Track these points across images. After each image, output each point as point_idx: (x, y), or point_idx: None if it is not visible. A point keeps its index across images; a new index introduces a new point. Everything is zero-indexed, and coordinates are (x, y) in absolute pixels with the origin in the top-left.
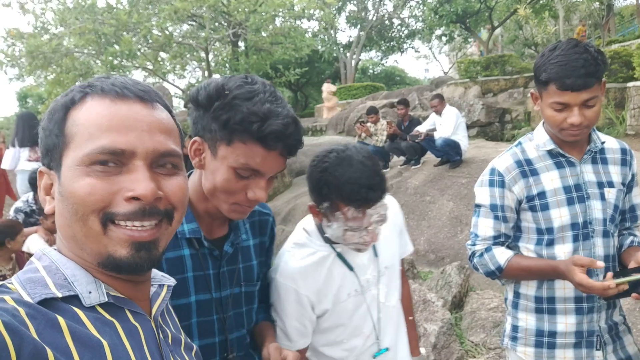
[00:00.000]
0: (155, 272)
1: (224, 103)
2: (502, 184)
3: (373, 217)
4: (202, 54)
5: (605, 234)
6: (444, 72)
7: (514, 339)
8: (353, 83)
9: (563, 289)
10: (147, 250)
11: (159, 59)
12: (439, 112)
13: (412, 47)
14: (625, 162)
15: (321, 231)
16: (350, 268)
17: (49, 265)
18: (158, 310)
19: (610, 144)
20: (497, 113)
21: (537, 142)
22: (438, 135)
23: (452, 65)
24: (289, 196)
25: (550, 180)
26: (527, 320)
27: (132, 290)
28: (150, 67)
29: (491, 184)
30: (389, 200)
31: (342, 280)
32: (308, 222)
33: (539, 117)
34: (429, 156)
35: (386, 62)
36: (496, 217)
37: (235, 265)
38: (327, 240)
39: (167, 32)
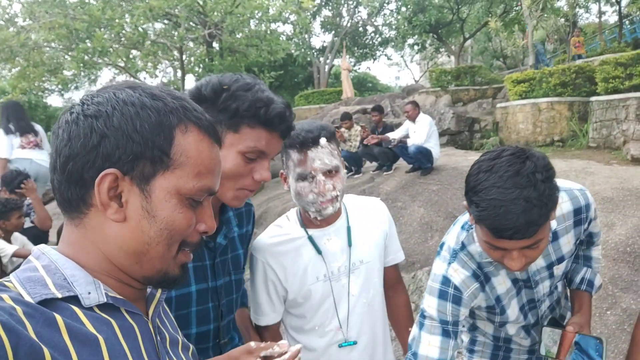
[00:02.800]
0: None
1: (229, 95)
2: (457, 301)
3: (316, 162)
4: (176, 53)
5: (550, 293)
6: (415, 81)
7: None
8: (326, 88)
9: (518, 348)
10: (187, 269)
11: (131, 56)
12: (412, 119)
13: (385, 55)
14: (580, 221)
15: (299, 217)
16: (319, 252)
17: (48, 264)
18: (155, 311)
19: (563, 210)
20: (467, 122)
21: (480, 249)
22: (411, 142)
23: (423, 74)
24: (261, 199)
25: (502, 282)
26: None
27: (130, 291)
28: (122, 64)
29: (442, 296)
30: (375, 202)
31: (309, 262)
32: (292, 211)
33: (507, 128)
34: (401, 163)
35: (359, 68)
36: (445, 333)
37: (226, 256)
38: (302, 225)
39: (140, 30)
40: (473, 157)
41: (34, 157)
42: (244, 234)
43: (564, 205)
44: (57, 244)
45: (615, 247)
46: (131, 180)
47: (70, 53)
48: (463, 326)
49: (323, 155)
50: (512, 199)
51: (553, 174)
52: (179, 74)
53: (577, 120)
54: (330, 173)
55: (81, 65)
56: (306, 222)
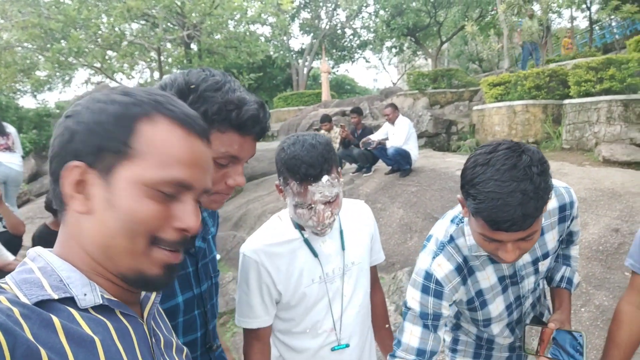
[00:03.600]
0: None
1: (197, 97)
2: (439, 295)
3: (315, 195)
4: (153, 54)
5: (534, 290)
6: (393, 83)
7: None
8: (305, 90)
9: (500, 346)
10: (173, 271)
11: (107, 57)
12: (392, 121)
13: (363, 57)
14: (564, 218)
15: (293, 219)
16: (315, 254)
17: (44, 266)
18: (150, 313)
19: (549, 206)
20: (444, 124)
21: (469, 243)
22: (390, 145)
23: (401, 77)
24: (240, 201)
25: (487, 277)
26: None
27: (125, 294)
28: (98, 65)
29: (425, 290)
30: (361, 205)
31: (305, 264)
32: (283, 212)
33: (483, 130)
34: (380, 164)
35: (337, 70)
36: (425, 326)
37: (206, 259)
38: (297, 227)
39: (117, 31)
40: (451, 158)
41: (3, 160)
42: (215, 234)
43: (550, 202)
44: (32, 247)
45: (589, 245)
46: (97, 172)
47: (44, 53)
48: (445, 325)
49: (324, 189)
50: (509, 191)
51: (547, 167)
52: (156, 75)
53: (551, 123)
54: (329, 202)
55: (56, 65)
56: (300, 225)
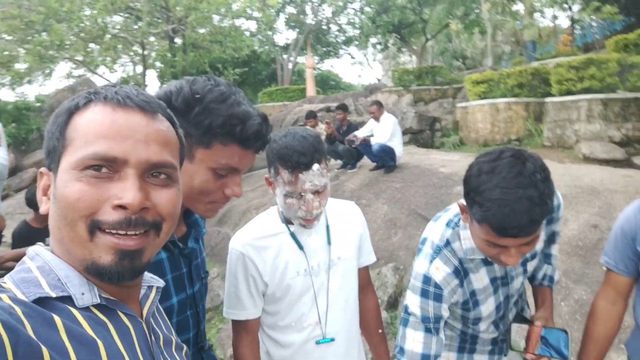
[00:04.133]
0: (144, 274)
1: (202, 108)
2: (438, 298)
3: (306, 184)
4: (136, 48)
5: (519, 289)
6: (378, 79)
7: None
8: (290, 85)
9: (484, 339)
10: (131, 259)
11: (89, 50)
12: (377, 118)
13: (348, 54)
14: (551, 220)
15: (281, 214)
16: (300, 247)
17: (42, 265)
18: (149, 312)
19: None
20: (428, 121)
21: (465, 247)
22: (375, 141)
23: (386, 73)
24: None
25: (480, 279)
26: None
27: (123, 292)
28: (80, 58)
29: (424, 294)
30: (351, 205)
31: (291, 257)
32: (272, 208)
33: (467, 127)
34: (365, 161)
35: (322, 66)
36: (427, 330)
37: (197, 260)
38: (284, 221)
39: (101, 24)
40: (435, 155)
41: None
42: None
43: None
44: (12, 244)
45: (569, 241)
46: (52, 173)
47: (24, 46)
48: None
49: (314, 178)
50: (516, 198)
51: (549, 173)
52: (139, 69)
53: (533, 120)
54: (318, 192)
55: (37, 58)
56: (287, 218)
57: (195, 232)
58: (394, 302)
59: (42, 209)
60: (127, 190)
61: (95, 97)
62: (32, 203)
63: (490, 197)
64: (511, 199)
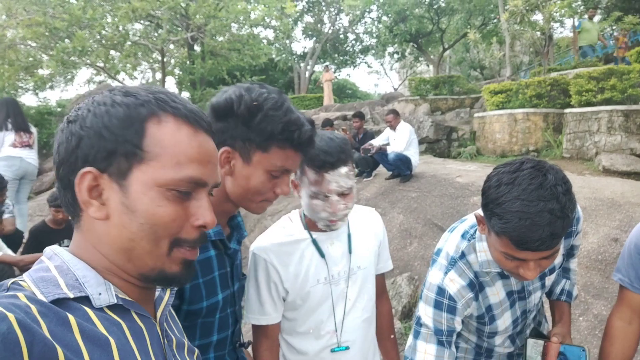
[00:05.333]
0: None
1: (264, 115)
2: (452, 310)
3: (332, 185)
4: (155, 55)
5: (538, 303)
6: (394, 88)
7: None
8: (306, 94)
9: (499, 354)
10: (190, 267)
11: (110, 57)
12: (393, 127)
13: (365, 62)
14: (570, 233)
15: (303, 220)
16: (322, 255)
17: (60, 265)
18: (163, 314)
19: None
20: (445, 131)
21: (480, 260)
22: (391, 150)
23: (402, 82)
24: None
25: (496, 293)
26: None
27: (139, 293)
28: (101, 65)
29: (438, 306)
30: (371, 212)
31: (312, 264)
32: (294, 213)
33: (484, 137)
34: (381, 169)
35: (339, 75)
36: (440, 343)
37: (238, 260)
38: (306, 228)
39: (122, 31)
40: (451, 165)
41: (24, 155)
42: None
43: None
44: (27, 240)
45: (588, 255)
46: (109, 177)
47: (48, 52)
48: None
49: (339, 179)
50: (537, 211)
51: (570, 186)
52: (158, 75)
53: (552, 131)
54: (344, 194)
55: (60, 64)
56: (310, 225)
57: (238, 234)
58: (408, 312)
59: (99, 215)
60: (206, 211)
61: (164, 107)
62: (52, 202)
63: (511, 209)
64: (532, 211)
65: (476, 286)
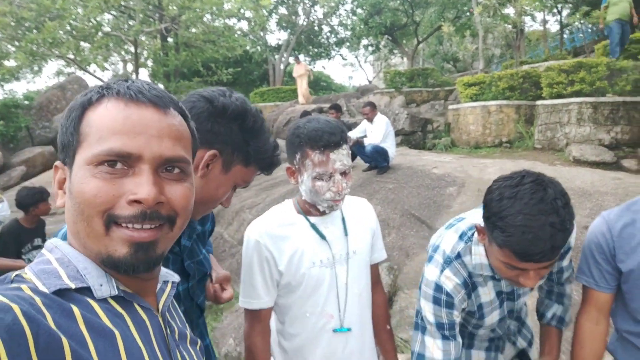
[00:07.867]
0: (160, 269)
1: (265, 136)
2: (450, 305)
3: (337, 164)
4: (127, 46)
5: (522, 304)
6: (369, 81)
7: None
8: (281, 86)
9: (481, 337)
10: (145, 251)
11: (81, 48)
12: (370, 120)
13: (340, 55)
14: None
15: (298, 206)
16: (322, 237)
17: (61, 257)
18: (164, 305)
19: None
20: (420, 123)
21: (475, 262)
22: (368, 142)
23: (377, 75)
24: None
25: (488, 293)
26: None
27: (140, 285)
28: (72, 56)
29: (436, 302)
30: (364, 201)
31: (307, 247)
32: (287, 201)
33: (458, 129)
34: (359, 161)
35: (314, 67)
36: (444, 337)
37: (198, 257)
38: (301, 213)
39: (93, 22)
40: (427, 156)
41: None
42: (204, 232)
43: None
44: (0, 241)
45: None
46: (68, 167)
47: (15, 43)
48: None
49: (343, 157)
50: (539, 225)
51: (569, 199)
52: (129, 67)
53: (524, 123)
54: (345, 173)
55: (28, 56)
56: (305, 210)
57: (189, 229)
58: (388, 301)
59: (58, 203)
60: (141, 186)
61: (107, 92)
62: (22, 205)
63: (514, 223)
64: (535, 225)
65: (469, 285)
